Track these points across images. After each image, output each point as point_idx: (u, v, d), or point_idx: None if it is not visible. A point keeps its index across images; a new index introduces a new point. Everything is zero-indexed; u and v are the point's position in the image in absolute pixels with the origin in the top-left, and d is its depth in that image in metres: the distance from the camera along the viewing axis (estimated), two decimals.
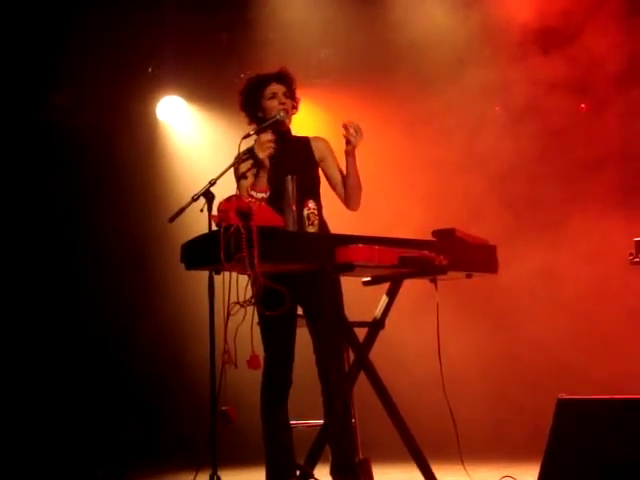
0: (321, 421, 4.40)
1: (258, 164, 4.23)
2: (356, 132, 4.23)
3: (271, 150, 4.20)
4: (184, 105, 7.74)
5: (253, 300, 3.72)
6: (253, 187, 4.20)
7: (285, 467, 4.33)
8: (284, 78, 4.43)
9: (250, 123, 4.47)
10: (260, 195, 4.11)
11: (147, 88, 7.61)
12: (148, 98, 7.67)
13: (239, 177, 4.31)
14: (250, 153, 4.28)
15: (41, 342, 6.88)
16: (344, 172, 4.38)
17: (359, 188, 4.39)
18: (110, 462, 6.13)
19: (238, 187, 4.32)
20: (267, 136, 4.25)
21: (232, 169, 4.27)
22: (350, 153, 4.28)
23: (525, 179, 6.86)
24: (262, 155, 4.20)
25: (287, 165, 4.24)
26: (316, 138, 4.52)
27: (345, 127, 4.23)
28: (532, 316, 6.65)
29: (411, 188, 7.02)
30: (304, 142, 4.48)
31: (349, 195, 4.41)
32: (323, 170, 4.49)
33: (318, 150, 4.48)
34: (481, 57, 6.74)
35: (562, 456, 3.50)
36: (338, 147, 4.41)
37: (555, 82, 6.61)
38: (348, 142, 4.25)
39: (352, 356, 4.27)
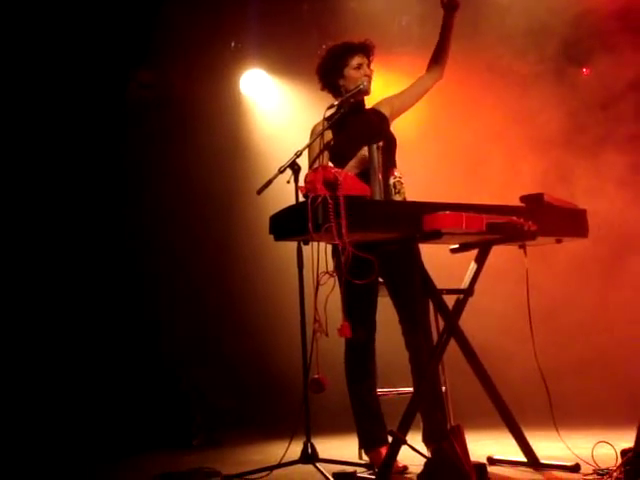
0: (410, 389, 4.43)
1: (346, 143, 4.27)
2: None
3: None
4: (267, 78, 7.76)
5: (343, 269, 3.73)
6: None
7: (376, 434, 4.38)
8: (370, 50, 4.46)
9: (323, 89, 4.50)
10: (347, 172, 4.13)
11: (230, 63, 7.66)
12: (231, 72, 7.72)
13: (323, 146, 4.33)
14: (332, 121, 4.31)
15: (132, 313, 7.03)
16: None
17: (447, 53, 4.51)
18: (205, 431, 6.24)
19: (311, 148, 4.35)
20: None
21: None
22: (453, 17, 4.45)
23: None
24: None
25: (366, 135, 4.26)
26: (377, 103, 4.58)
27: None
28: (627, 281, 6.52)
29: (495, 154, 6.93)
30: (374, 111, 4.53)
31: (443, 59, 4.52)
32: (401, 109, 4.56)
33: (384, 108, 4.55)
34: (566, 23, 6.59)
35: None
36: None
37: None
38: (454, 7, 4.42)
39: (442, 324, 4.28)
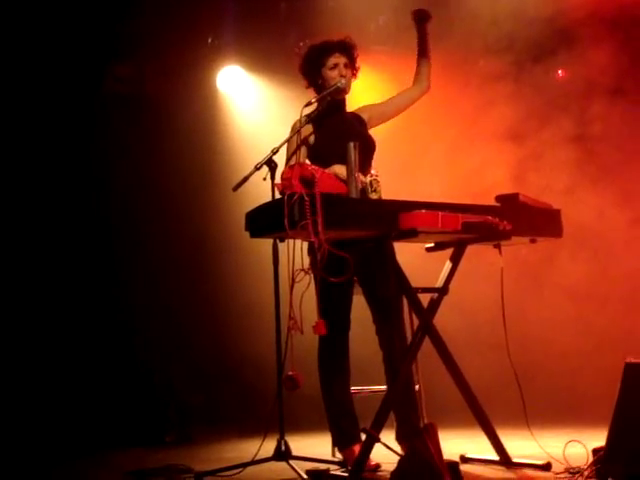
0: (383, 387, 4.44)
1: (324, 140, 4.29)
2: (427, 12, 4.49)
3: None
4: (244, 74, 7.74)
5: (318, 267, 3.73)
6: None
7: (350, 432, 4.39)
8: (347, 49, 4.46)
9: (308, 87, 4.52)
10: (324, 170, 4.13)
11: (207, 58, 7.63)
12: (208, 68, 7.69)
13: (301, 142, 4.33)
14: (310, 118, 4.31)
15: (107, 311, 7.01)
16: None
17: (429, 64, 4.53)
18: (178, 428, 6.22)
19: (295, 150, 4.33)
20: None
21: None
22: (426, 29, 4.51)
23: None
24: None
25: (345, 134, 4.26)
26: (358, 108, 4.60)
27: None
28: (595, 279, 6.58)
29: (468, 154, 6.96)
30: (353, 114, 4.54)
31: (424, 75, 4.53)
32: (382, 114, 4.58)
33: (363, 113, 4.56)
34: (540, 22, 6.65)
35: (630, 420, 3.48)
36: None
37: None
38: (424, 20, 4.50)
39: (416, 322, 4.29)
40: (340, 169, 4.10)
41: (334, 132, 4.35)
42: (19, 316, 6.53)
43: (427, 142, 6.97)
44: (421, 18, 4.51)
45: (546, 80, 7.01)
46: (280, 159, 4.18)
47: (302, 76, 4.53)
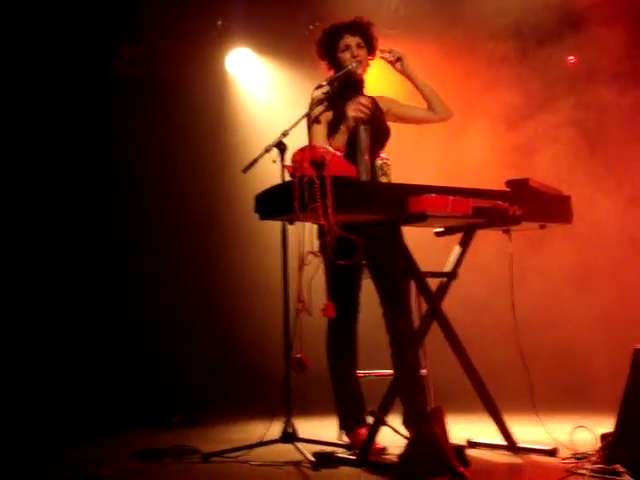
0: (391, 371, 4.44)
1: (339, 118, 4.25)
2: (390, 52, 4.44)
3: (363, 115, 4.19)
4: (253, 57, 7.72)
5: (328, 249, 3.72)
6: (331, 141, 4.21)
7: (356, 415, 4.41)
8: (358, 28, 4.42)
9: (330, 69, 4.49)
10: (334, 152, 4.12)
11: (216, 41, 7.60)
12: (217, 51, 7.67)
13: (312, 121, 4.32)
14: (323, 101, 4.30)
15: (113, 293, 7.02)
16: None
17: (438, 96, 4.48)
18: (184, 410, 6.24)
19: (310, 131, 4.33)
20: (366, 100, 4.24)
21: (305, 120, 4.28)
22: (403, 69, 4.44)
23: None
24: (352, 114, 4.19)
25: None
26: (380, 96, 4.58)
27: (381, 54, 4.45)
28: (606, 267, 6.57)
29: (477, 139, 6.95)
30: (373, 99, 4.50)
31: (434, 105, 4.48)
32: (397, 114, 4.55)
33: (383, 102, 4.55)
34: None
35: (639, 406, 3.48)
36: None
37: None
38: (392, 63, 4.44)
39: (424, 306, 4.28)
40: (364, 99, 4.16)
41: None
42: (31, 302, 6.54)
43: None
44: (393, 60, 4.46)
45: (551, 65, 6.99)
46: (290, 141, 4.17)
47: (320, 60, 4.51)
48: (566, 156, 6.69)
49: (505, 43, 6.87)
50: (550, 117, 6.78)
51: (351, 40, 4.40)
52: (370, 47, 4.44)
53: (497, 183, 4.18)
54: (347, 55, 4.38)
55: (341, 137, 4.21)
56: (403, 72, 4.46)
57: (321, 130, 4.32)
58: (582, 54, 6.92)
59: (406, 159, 6.10)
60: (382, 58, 4.46)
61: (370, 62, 4.46)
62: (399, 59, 4.44)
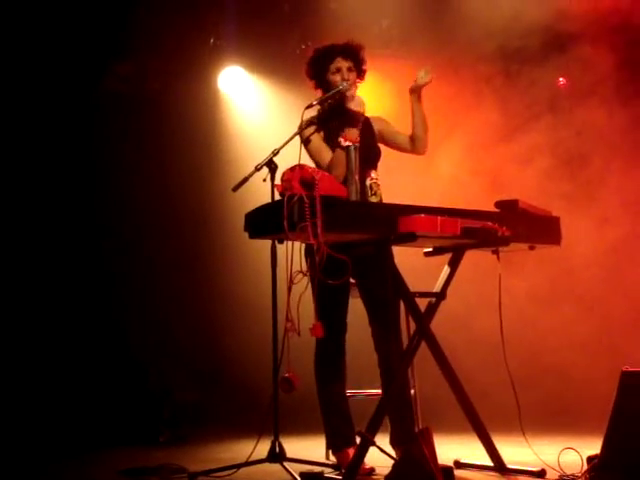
0: (379, 391, 4.43)
1: (330, 138, 4.27)
2: (425, 73, 4.31)
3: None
4: (245, 75, 7.74)
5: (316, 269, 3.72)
6: (344, 135, 4.20)
7: (344, 435, 4.39)
8: (351, 52, 4.43)
9: (316, 88, 4.49)
10: (347, 143, 4.10)
11: (208, 59, 7.63)
12: (209, 69, 7.69)
13: (305, 141, 4.33)
14: (313, 121, 4.31)
15: (100, 308, 7.01)
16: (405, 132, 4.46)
17: (426, 128, 4.42)
18: (172, 428, 6.21)
19: (308, 149, 4.34)
20: (355, 133, 4.22)
21: (295, 139, 4.29)
22: (414, 91, 4.35)
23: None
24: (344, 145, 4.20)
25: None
26: (373, 117, 4.56)
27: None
28: (592, 289, 6.59)
29: (470, 160, 6.97)
30: (366, 120, 4.48)
31: (417, 136, 4.43)
32: (385, 137, 4.52)
33: (376, 123, 4.54)
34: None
35: (626, 428, 3.48)
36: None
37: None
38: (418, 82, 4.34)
39: (413, 326, 4.28)
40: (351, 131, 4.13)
41: (337, 135, 4.31)
42: (14, 316, 6.52)
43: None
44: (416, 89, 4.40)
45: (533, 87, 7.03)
46: (281, 160, 4.18)
47: (309, 79, 4.52)
48: (541, 176, 6.71)
49: (492, 64, 6.91)
50: (527, 138, 6.82)
51: (343, 64, 4.41)
52: (359, 71, 4.46)
53: (468, 203, 4.19)
54: (337, 77, 4.39)
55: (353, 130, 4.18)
56: (416, 92, 4.39)
57: (315, 145, 4.33)
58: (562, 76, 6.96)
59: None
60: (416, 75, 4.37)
61: (358, 85, 4.46)
62: (426, 83, 4.38)
